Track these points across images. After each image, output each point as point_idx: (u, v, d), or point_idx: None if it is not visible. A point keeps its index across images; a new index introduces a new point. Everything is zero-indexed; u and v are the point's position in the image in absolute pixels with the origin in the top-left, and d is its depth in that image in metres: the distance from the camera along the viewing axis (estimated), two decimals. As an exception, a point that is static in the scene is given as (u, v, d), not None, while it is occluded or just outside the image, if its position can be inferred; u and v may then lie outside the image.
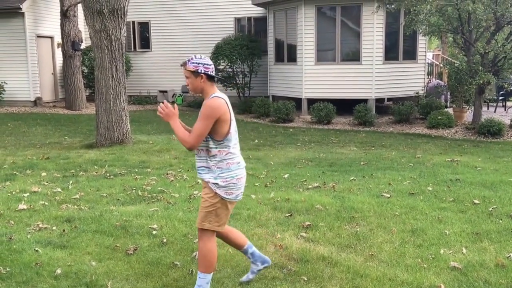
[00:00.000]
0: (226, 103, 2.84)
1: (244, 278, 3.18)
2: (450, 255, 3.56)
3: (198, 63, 2.83)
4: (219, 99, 2.81)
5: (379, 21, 12.35)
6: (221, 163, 2.84)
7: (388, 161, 7.38)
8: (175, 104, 2.90)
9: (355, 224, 4.23)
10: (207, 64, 2.85)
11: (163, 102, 2.88)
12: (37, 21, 14.91)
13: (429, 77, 15.45)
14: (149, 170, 6.68)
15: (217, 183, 2.83)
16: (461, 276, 3.23)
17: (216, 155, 2.84)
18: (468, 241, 3.85)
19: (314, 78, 12.87)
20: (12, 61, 14.65)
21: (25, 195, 5.22)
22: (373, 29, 12.35)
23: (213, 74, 2.86)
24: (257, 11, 15.50)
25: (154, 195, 5.24)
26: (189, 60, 2.85)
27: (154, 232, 4.03)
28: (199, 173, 2.92)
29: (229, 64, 14.52)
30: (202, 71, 2.82)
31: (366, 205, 4.73)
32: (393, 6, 11.47)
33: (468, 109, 11.75)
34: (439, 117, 11.10)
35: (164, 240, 3.84)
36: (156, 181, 5.91)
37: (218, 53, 14.55)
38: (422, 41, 13.29)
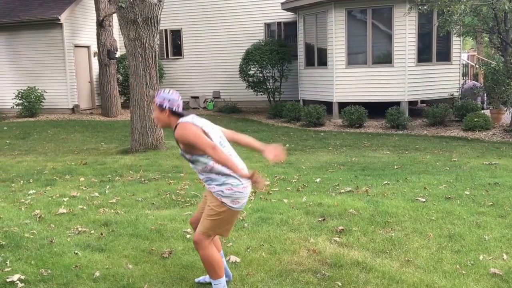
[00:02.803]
0: (193, 122, 2.83)
1: (201, 279, 3.17)
2: (490, 261, 3.45)
3: (164, 98, 2.86)
4: (183, 123, 2.81)
5: (411, 22, 12.14)
6: (223, 168, 2.83)
7: (422, 165, 7.22)
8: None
9: (390, 229, 4.16)
10: (173, 100, 2.86)
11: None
12: (74, 31, 15.46)
13: (464, 78, 15.04)
14: (182, 174, 6.79)
15: (221, 191, 2.83)
16: (502, 283, 3.13)
17: (213, 167, 2.84)
18: (509, 246, 3.72)
19: (345, 81, 12.77)
20: (51, 70, 15.23)
21: (65, 199, 5.40)
22: (405, 31, 12.15)
23: (178, 110, 2.87)
24: (287, 16, 15.53)
25: (188, 199, 5.32)
26: (157, 94, 2.90)
27: (188, 236, 4.09)
28: (205, 184, 2.93)
29: (260, 69, 14.59)
30: (167, 106, 2.85)
31: (400, 210, 4.65)
32: (425, 7, 11.25)
33: (506, 110, 11.37)
34: (475, 119, 10.78)
35: (198, 244, 3.89)
36: (189, 186, 6.00)
37: (248, 59, 14.65)
38: (456, 42, 12.96)
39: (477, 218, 4.37)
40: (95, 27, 14.76)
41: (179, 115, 2.88)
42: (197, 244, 2.88)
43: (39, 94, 14.70)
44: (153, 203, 5.21)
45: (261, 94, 15.25)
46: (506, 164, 7.03)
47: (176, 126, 2.84)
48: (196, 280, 3.21)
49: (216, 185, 2.85)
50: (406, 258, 3.55)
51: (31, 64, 15.36)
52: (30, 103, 14.56)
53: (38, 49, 15.22)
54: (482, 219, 4.33)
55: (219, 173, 2.85)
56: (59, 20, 14.53)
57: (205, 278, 3.19)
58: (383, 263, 3.46)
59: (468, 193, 5.23)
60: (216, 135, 2.92)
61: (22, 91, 14.64)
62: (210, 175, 2.87)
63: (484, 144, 9.44)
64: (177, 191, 5.71)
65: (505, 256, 3.52)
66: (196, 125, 2.82)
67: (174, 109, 2.86)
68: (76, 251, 3.78)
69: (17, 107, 14.71)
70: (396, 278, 3.23)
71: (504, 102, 11.30)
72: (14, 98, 14.64)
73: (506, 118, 11.50)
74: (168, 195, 5.53)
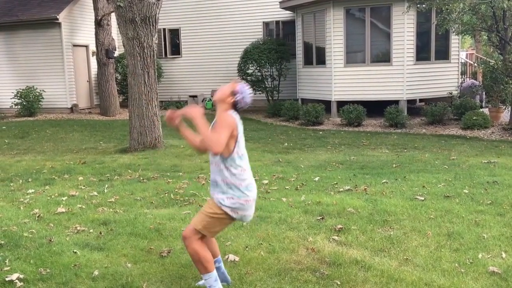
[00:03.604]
0: (237, 122, 2.89)
1: (200, 283, 3.16)
2: (488, 260, 3.46)
3: (243, 92, 2.92)
4: (233, 114, 2.88)
5: (409, 21, 12.15)
6: (231, 179, 2.86)
7: (421, 163, 7.23)
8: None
9: (389, 228, 4.17)
10: (245, 100, 2.93)
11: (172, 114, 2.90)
12: (73, 31, 15.43)
13: (463, 76, 15.06)
14: (181, 173, 6.78)
15: (223, 199, 2.85)
16: (501, 281, 3.14)
17: (223, 171, 2.86)
18: (508, 245, 3.73)
19: (343, 80, 12.77)
20: (50, 69, 15.20)
21: (64, 198, 5.40)
22: (403, 29, 12.15)
23: (238, 107, 2.93)
24: (285, 15, 15.52)
25: (186, 198, 5.32)
26: (241, 84, 2.97)
27: (187, 235, 4.08)
28: (210, 188, 2.97)
29: (258, 68, 14.59)
30: (238, 98, 2.91)
31: (399, 208, 4.65)
32: (424, 5, 11.26)
33: (505, 109, 11.38)
34: (474, 118, 10.79)
35: (197, 243, 3.89)
36: (188, 185, 6.00)
37: (247, 57, 14.64)
38: (455, 40, 12.97)
39: (475, 217, 4.37)
40: (94, 27, 14.74)
41: (236, 109, 2.94)
42: (186, 239, 2.89)
43: (37, 93, 14.69)
44: (152, 202, 5.20)
45: (260, 93, 15.24)
46: (505, 163, 7.05)
47: (226, 111, 2.89)
48: (196, 284, 3.21)
49: (219, 192, 2.88)
50: (404, 257, 3.55)
51: (30, 63, 15.33)
52: (29, 102, 14.54)
53: (36, 49, 15.19)
54: (480, 218, 4.34)
55: (224, 180, 2.86)
56: (57, 19, 14.50)
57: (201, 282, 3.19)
58: (382, 262, 3.47)
59: (467, 191, 5.24)
60: (243, 144, 2.95)
61: (20, 90, 14.62)
62: (218, 179, 2.89)
63: (482, 142, 9.45)
64: (176, 190, 5.71)
65: (504, 255, 3.53)
66: (237, 124, 2.87)
67: (237, 106, 2.92)
68: (75, 250, 3.77)
69: (16, 107, 14.69)
70: (394, 276, 3.23)
71: (503, 100, 11.31)
72: (13, 98, 14.62)
73: (504, 117, 11.51)
74: (166, 194, 5.53)
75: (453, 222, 4.26)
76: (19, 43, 15.32)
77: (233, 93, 2.90)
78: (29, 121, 13.87)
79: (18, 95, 14.51)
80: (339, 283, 3.18)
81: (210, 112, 15.73)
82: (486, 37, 12.90)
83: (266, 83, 14.92)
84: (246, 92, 2.93)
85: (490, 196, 5.02)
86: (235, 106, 2.92)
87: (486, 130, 10.62)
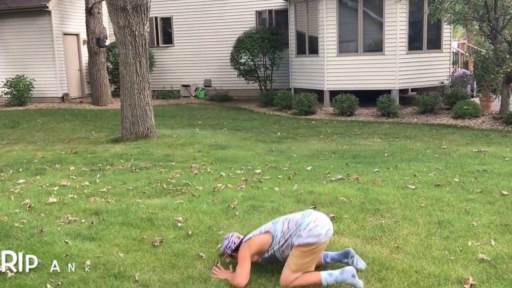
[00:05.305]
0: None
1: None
2: (478, 247, 3.50)
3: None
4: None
5: (402, 10, 12.13)
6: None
7: (412, 153, 7.28)
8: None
9: (380, 216, 4.20)
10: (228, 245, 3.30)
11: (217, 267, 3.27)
12: (63, 19, 15.22)
13: (454, 66, 15.11)
14: (173, 163, 6.77)
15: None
16: (490, 268, 3.18)
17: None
18: (497, 233, 3.77)
19: (336, 69, 12.76)
20: (40, 58, 15.02)
21: (55, 188, 5.37)
22: (396, 18, 12.14)
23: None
24: (278, 4, 15.42)
25: (179, 188, 5.31)
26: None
27: (179, 224, 4.09)
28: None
29: (251, 57, 14.52)
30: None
31: (390, 197, 4.68)
32: (416, -6, 11.26)
33: (495, 98, 11.46)
34: (465, 107, 10.86)
35: (189, 232, 3.89)
36: (180, 174, 5.99)
37: (239, 47, 14.57)
38: (446, 30, 12.99)
39: (466, 205, 4.42)
40: (84, 15, 14.56)
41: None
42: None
43: (28, 82, 14.51)
44: (144, 192, 5.19)
45: (253, 83, 15.20)
46: (495, 151, 7.11)
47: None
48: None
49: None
50: (395, 245, 3.58)
51: (20, 52, 15.13)
52: (19, 91, 14.37)
53: (26, 37, 14.99)
54: (470, 206, 4.38)
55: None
56: (47, 7, 14.29)
57: None
58: (373, 250, 3.50)
59: (457, 180, 5.28)
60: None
61: (10, 79, 14.44)
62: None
63: (473, 131, 9.52)
64: (168, 179, 5.70)
65: (493, 242, 3.57)
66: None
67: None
68: (66, 240, 3.76)
69: (6, 96, 14.52)
70: (386, 264, 3.26)
71: (494, 90, 11.38)
72: (3, 87, 14.45)
73: (495, 106, 11.60)
74: (159, 183, 5.52)
75: (444, 210, 4.30)
76: (9, 32, 15.10)
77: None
78: (19, 110, 13.73)
79: (8, 84, 14.33)
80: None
81: (203, 102, 15.67)
82: (478, 27, 12.94)
83: (259, 72, 14.87)
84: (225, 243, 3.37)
85: (480, 184, 5.07)
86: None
87: (476, 119, 10.69)
